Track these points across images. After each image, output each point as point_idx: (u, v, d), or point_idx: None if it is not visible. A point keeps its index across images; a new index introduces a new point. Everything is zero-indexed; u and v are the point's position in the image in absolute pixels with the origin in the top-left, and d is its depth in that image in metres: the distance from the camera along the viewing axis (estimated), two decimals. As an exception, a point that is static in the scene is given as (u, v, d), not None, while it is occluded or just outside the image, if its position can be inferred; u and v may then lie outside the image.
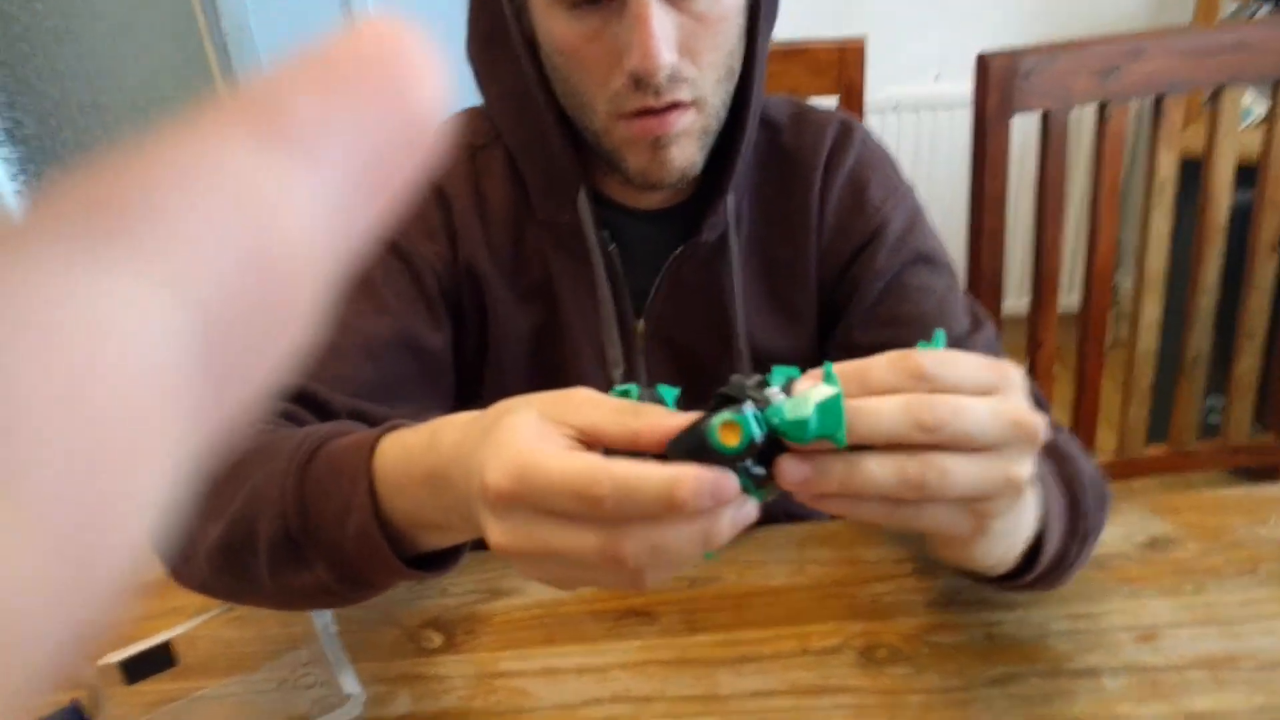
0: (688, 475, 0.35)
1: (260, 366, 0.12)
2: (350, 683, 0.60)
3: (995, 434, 0.39)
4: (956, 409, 0.38)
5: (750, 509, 0.38)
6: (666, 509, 0.35)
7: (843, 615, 0.65)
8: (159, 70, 1.30)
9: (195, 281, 0.11)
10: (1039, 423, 0.40)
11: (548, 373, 0.73)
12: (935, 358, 0.40)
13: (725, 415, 0.37)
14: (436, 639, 0.66)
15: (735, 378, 0.40)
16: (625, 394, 0.43)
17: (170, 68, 1.30)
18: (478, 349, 0.73)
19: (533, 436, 0.39)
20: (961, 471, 0.39)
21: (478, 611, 0.68)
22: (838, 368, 0.40)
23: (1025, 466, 0.41)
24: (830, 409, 0.37)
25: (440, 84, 0.13)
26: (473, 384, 0.74)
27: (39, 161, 1.31)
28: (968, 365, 0.40)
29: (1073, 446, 0.60)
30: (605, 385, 0.73)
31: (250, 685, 0.63)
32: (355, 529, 0.48)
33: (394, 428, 0.50)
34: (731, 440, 0.37)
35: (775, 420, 0.37)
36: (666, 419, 0.38)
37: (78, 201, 0.11)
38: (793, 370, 0.41)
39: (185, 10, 1.23)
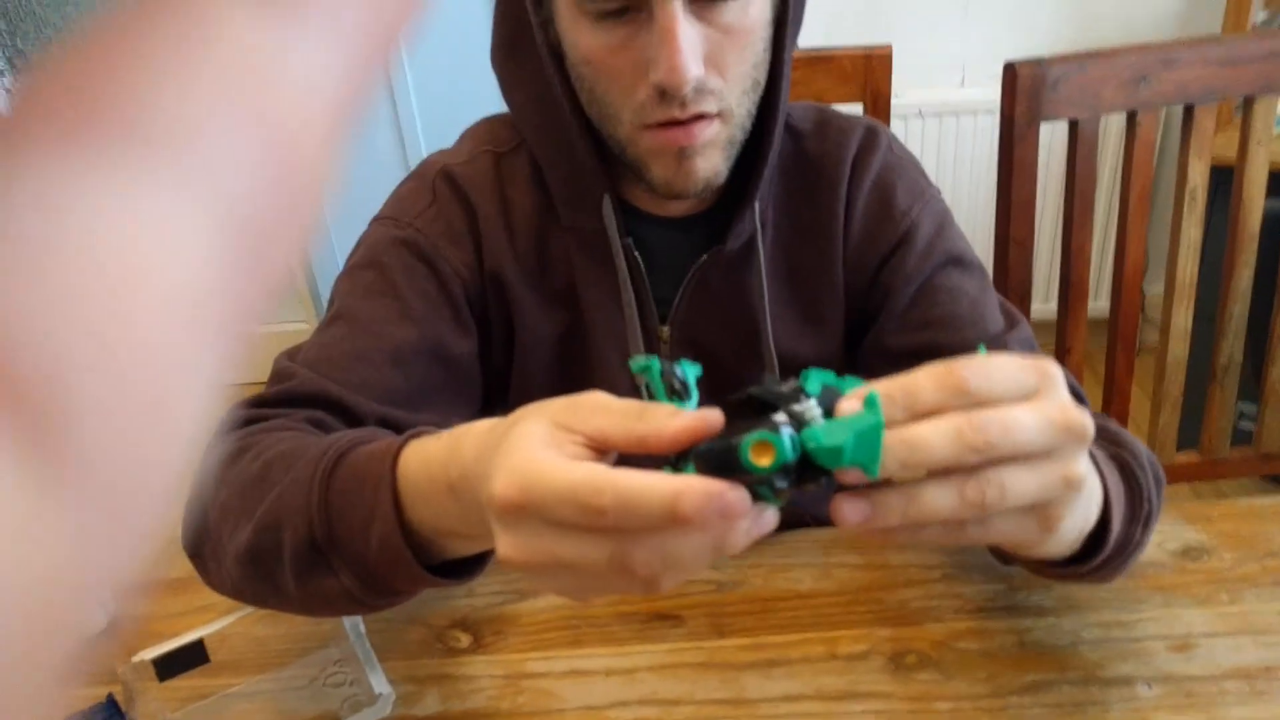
0: (693, 490, 0.34)
1: (285, 245, 0.11)
2: (380, 682, 0.61)
3: (1046, 441, 0.39)
4: (1006, 426, 0.38)
5: (769, 517, 0.37)
6: (669, 523, 0.35)
7: (871, 621, 0.65)
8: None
9: (218, 176, 0.10)
10: (1086, 420, 0.40)
11: (574, 377, 0.73)
12: (976, 368, 0.39)
13: (759, 435, 0.36)
14: (464, 639, 0.66)
15: (769, 378, 0.39)
16: (646, 369, 0.43)
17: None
18: (504, 354, 0.73)
19: (539, 445, 0.38)
20: (1019, 482, 0.39)
21: (505, 612, 0.68)
22: (882, 385, 0.39)
23: (1080, 464, 0.41)
24: (868, 438, 0.36)
25: None
26: (500, 389, 0.74)
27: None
28: (1007, 370, 0.40)
29: (1122, 431, 0.60)
30: (631, 390, 0.73)
31: (281, 683, 0.64)
32: (379, 537, 0.48)
33: (417, 435, 0.50)
34: (764, 461, 0.36)
35: (810, 445, 0.37)
36: (671, 421, 0.37)
37: (77, 96, 0.10)
38: (827, 374, 0.40)
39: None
